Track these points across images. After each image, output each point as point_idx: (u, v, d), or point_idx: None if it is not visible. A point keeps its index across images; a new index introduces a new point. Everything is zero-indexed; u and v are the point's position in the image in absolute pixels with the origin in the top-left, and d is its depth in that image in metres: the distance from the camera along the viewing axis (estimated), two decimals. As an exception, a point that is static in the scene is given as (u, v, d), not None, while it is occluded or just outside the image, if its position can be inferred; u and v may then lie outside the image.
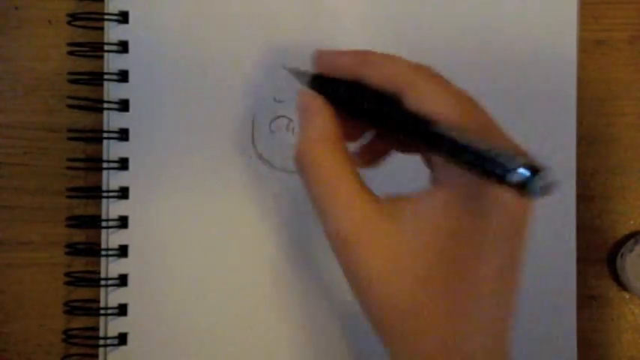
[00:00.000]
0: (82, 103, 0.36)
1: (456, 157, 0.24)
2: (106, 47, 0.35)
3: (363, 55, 0.29)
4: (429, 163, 0.28)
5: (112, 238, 0.35)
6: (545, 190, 0.22)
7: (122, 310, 0.35)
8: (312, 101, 0.29)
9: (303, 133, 0.29)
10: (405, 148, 0.31)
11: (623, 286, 0.37)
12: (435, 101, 0.26)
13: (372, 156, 0.32)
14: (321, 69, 0.30)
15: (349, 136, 0.30)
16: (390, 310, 0.27)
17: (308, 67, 0.31)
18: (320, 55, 0.30)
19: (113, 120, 0.36)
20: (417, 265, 0.26)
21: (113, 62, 0.36)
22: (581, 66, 0.37)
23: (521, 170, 0.22)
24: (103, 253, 0.35)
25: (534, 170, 0.22)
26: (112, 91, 0.36)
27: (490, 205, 0.26)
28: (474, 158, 0.24)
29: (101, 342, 0.35)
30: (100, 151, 0.36)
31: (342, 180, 0.27)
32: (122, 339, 0.35)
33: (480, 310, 0.26)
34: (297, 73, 0.32)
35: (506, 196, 0.25)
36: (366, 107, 0.28)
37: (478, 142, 0.24)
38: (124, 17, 0.35)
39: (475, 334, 0.26)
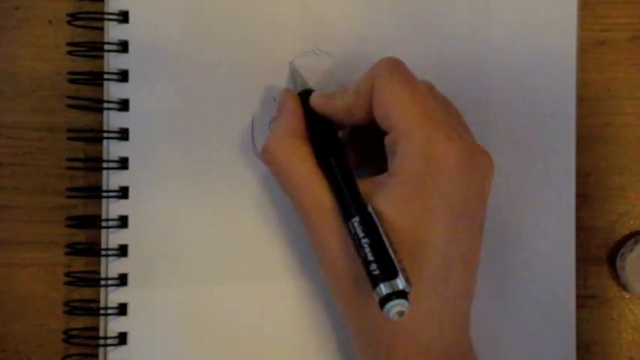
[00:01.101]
0: (82, 103, 0.36)
1: (359, 233, 0.27)
2: (106, 47, 0.35)
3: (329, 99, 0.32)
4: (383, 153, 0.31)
5: (112, 238, 0.35)
6: (397, 316, 0.25)
7: (122, 310, 0.35)
8: (283, 99, 0.33)
9: (270, 133, 0.33)
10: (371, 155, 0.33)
11: (623, 286, 0.37)
12: (390, 92, 0.29)
13: (355, 160, 0.34)
14: (314, 106, 0.33)
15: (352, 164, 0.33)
16: (346, 283, 0.29)
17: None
18: (314, 98, 0.33)
19: (113, 120, 0.36)
20: None
21: (113, 62, 0.36)
22: (581, 66, 0.37)
23: (389, 286, 0.25)
24: (103, 253, 0.35)
25: (400, 295, 0.25)
26: (112, 91, 0.36)
27: (432, 194, 0.28)
28: (371, 246, 0.27)
29: (101, 342, 0.35)
30: (100, 151, 0.36)
31: (301, 169, 0.31)
32: (122, 339, 0.35)
33: (427, 294, 0.28)
34: (294, 77, 0.35)
35: (443, 186, 0.29)
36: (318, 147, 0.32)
37: (385, 238, 0.27)
38: (124, 17, 0.35)
39: (423, 316, 0.28)
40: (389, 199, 0.29)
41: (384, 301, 0.25)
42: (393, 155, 0.29)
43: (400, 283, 0.26)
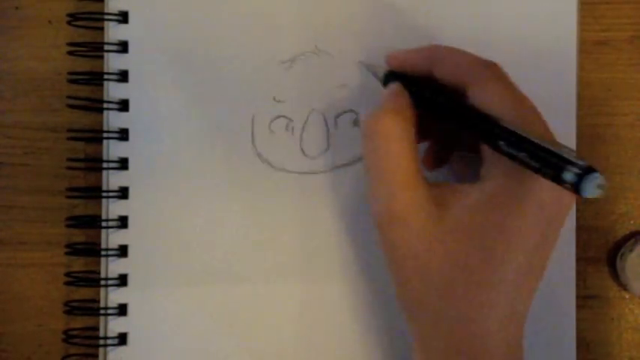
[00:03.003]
0: (82, 103, 0.36)
1: (514, 150, 0.26)
2: (106, 47, 0.35)
3: (431, 51, 0.31)
4: (479, 161, 0.30)
5: (112, 238, 0.35)
6: (597, 191, 0.23)
7: (122, 310, 0.35)
8: (396, 89, 0.31)
9: (380, 105, 0.30)
10: (466, 146, 0.33)
11: (623, 286, 0.37)
12: (496, 101, 0.28)
13: (434, 160, 0.33)
14: (393, 66, 0.32)
15: (430, 163, 0.33)
16: (420, 286, 0.29)
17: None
18: (391, 55, 0.32)
19: (113, 120, 0.36)
20: (455, 250, 0.28)
21: (113, 62, 0.36)
22: (581, 66, 0.37)
23: (576, 170, 0.23)
24: (103, 253, 0.35)
25: (588, 171, 0.23)
26: (112, 91, 0.36)
27: (530, 202, 0.28)
28: (532, 152, 0.25)
29: (101, 342, 0.35)
30: (100, 151, 0.36)
31: (405, 157, 0.29)
32: (122, 339, 0.35)
33: (505, 296, 0.28)
34: (372, 69, 0.34)
35: (544, 195, 0.27)
36: (432, 100, 0.30)
37: (537, 141, 0.25)
38: (123, 17, 0.35)
39: (496, 318, 0.28)
40: (485, 201, 0.28)
41: (578, 182, 0.23)
42: (487, 159, 0.29)
43: (582, 162, 0.24)
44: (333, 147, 0.36)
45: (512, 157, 0.26)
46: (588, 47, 0.37)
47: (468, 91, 0.29)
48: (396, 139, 0.29)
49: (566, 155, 0.24)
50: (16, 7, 0.37)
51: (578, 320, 0.36)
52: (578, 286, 0.36)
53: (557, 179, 0.24)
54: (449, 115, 0.30)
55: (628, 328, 0.37)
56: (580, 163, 0.24)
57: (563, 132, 0.36)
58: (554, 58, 0.36)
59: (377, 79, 0.34)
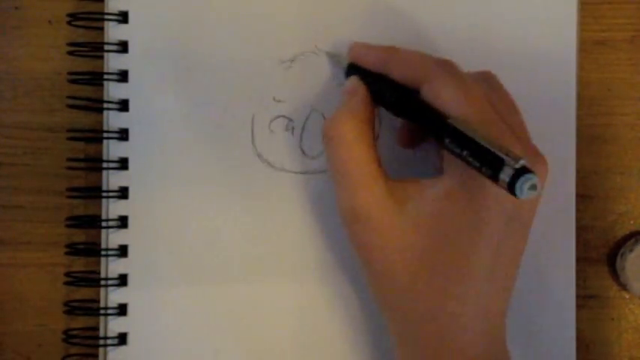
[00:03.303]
0: (82, 103, 0.36)
1: (457, 147, 0.27)
2: (105, 47, 0.35)
3: (390, 52, 0.32)
4: (439, 154, 0.31)
5: (112, 238, 0.35)
6: (531, 192, 0.24)
7: (122, 310, 0.35)
8: (354, 85, 0.32)
9: (338, 109, 0.31)
10: (424, 138, 0.34)
11: (623, 286, 0.37)
12: (445, 98, 0.29)
13: (409, 138, 0.34)
14: (354, 60, 0.34)
15: (404, 141, 0.34)
16: (389, 281, 0.29)
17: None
18: (353, 47, 0.34)
19: (113, 120, 0.36)
20: (418, 244, 0.29)
21: (113, 62, 0.36)
22: (581, 66, 0.37)
23: (510, 170, 0.24)
24: (103, 253, 0.35)
25: (522, 172, 0.24)
26: (112, 91, 0.36)
27: (487, 196, 0.28)
28: (473, 151, 0.26)
29: (101, 342, 0.35)
30: (100, 151, 0.36)
31: (364, 158, 0.30)
32: (122, 339, 0.35)
33: (474, 291, 0.28)
34: (337, 59, 0.35)
35: (500, 191, 0.27)
36: (388, 98, 0.31)
37: (478, 140, 0.26)
38: (123, 17, 0.35)
39: (468, 314, 0.28)
40: (443, 194, 0.29)
41: (511, 182, 0.24)
42: (447, 153, 0.29)
43: (518, 163, 0.24)
44: None
45: (456, 155, 0.27)
46: (588, 47, 0.37)
47: (421, 88, 0.30)
48: (352, 141, 0.30)
49: (502, 155, 0.25)
50: (16, 7, 0.37)
51: (578, 320, 0.36)
52: (578, 286, 0.36)
53: (495, 179, 0.25)
54: (402, 111, 0.31)
55: (628, 328, 0.37)
56: (514, 163, 0.24)
57: (563, 132, 0.37)
58: (554, 58, 0.36)
59: (341, 68, 0.35)
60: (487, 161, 0.25)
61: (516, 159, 0.24)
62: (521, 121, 0.32)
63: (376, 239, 0.29)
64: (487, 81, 0.32)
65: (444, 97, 0.29)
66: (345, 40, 0.35)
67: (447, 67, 0.30)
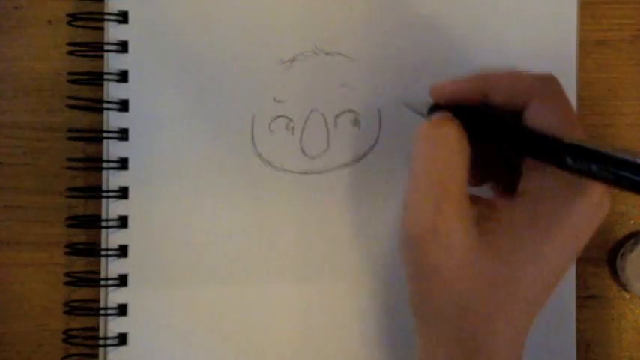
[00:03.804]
0: (82, 103, 0.36)
1: (584, 164, 0.25)
2: (105, 47, 0.35)
3: (484, 78, 0.29)
4: (515, 176, 0.29)
5: (112, 238, 0.35)
6: None
7: (122, 310, 0.35)
8: (445, 115, 0.29)
9: (437, 115, 0.29)
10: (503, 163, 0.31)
11: (623, 286, 0.37)
12: (556, 116, 0.27)
13: (475, 176, 0.31)
14: (440, 99, 0.30)
15: (473, 180, 0.31)
16: (444, 298, 0.28)
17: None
18: (436, 87, 0.30)
19: (113, 120, 0.36)
20: (483, 267, 0.27)
21: (113, 62, 0.36)
22: (581, 66, 0.37)
23: None
24: (103, 253, 0.35)
25: None
26: (112, 91, 0.36)
27: (565, 228, 0.27)
28: (604, 164, 0.24)
29: (101, 342, 0.35)
30: (100, 151, 0.36)
31: (459, 168, 0.28)
32: (122, 339, 0.35)
33: (517, 316, 0.28)
34: (415, 106, 0.32)
35: (581, 219, 0.27)
36: (484, 127, 0.29)
37: (605, 152, 0.24)
38: (123, 17, 0.35)
39: (504, 336, 0.28)
40: (517, 222, 0.28)
41: None
42: (527, 176, 0.28)
43: None
44: (332, 147, 0.36)
45: (581, 173, 0.25)
46: (588, 47, 0.37)
47: (526, 111, 0.28)
48: (455, 147, 0.28)
49: (634, 160, 0.23)
50: (16, 7, 0.37)
51: (578, 320, 0.36)
52: (578, 286, 0.36)
53: (635, 188, 0.23)
54: (503, 139, 0.28)
55: (628, 328, 0.37)
56: None
57: (563, 132, 0.36)
58: (554, 58, 0.36)
59: (421, 116, 0.32)
60: (621, 173, 0.24)
61: None
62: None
63: (444, 259, 0.27)
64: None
65: (553, 119, 0.27)
66: (347, 41, 0.35)
67: (551, 84, 0.29)
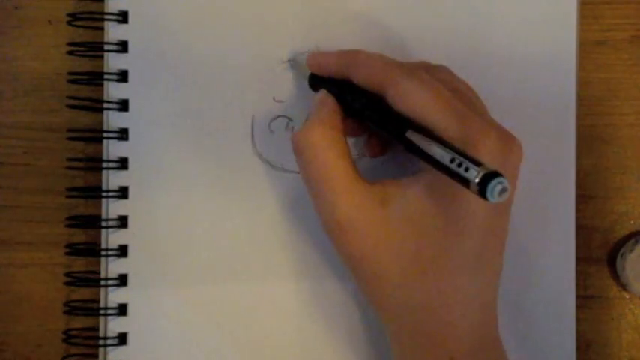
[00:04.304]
0: (82, 103, 0.36)
1: (425, 152, 0.27)
2: (105, 47, 0.35)
3: (350, 56, 0.31)
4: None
5: (112, 238, 0.35)
6: (502, 196, 0.24)
7: (122, 310, 0.35)
8: (324, 97, 0.32)
9: (308, 120, 0.31)
10: (391, 143, 0.34)
11: (623, 286, 0.37)
12: (412, 98, 0.28)
13: (376, 147, 0.34)
14: (314, 70, 0.33)
15: (354, 132, 0.33)
16: (381, 283, 0.30)
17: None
18: (311, 57, 0.33)
19: (113, 120, 0.36)
20: (405, 243, 0.29)
21: (113, 62, 0.36)
22: (581, 66, 0.37)
23: (477, 179, 0.24)
24: (103, 253, 0.35)
25: (489, 177, 0.24)
26: (112, 91, 0.36)
27: (465, 192, 0.28)
28: (440, 155, 0.26)
29: (101, 342, 0.35)
30: (100, 151, 0.36)
31: (339, 165, 0.30)
32: (122, 339, 0.35)
33: (464, 282, 0.29)
34: (300, 69, 0.35)
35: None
36: (353, 105, 0.31)
37: (442, 149, 0.26)
38: (123, 17, 0.35)
39: (460, 305, 0.29)
40: (423, 193, 0.29)
41: (483, 183, 0.24)
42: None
43: (484, 169, 0.24)
44: None
45: (424, 159, 0.27)
46: (588, 47, 0.37)
47: (386, 94, 0.29)
48: (327, 149, 0.29)
49: (471, 159, 0.25)
50: (16, 7, 0.37)
51: (578, 320, 0.36)
52: (578, 286, 0.36)
53: (464, 182, 0.25)
54: (367, 117, 0.31)
55: (628, 328, 0.37)
56: (485, 167, 0.24)
57: (563, 132, 0.37)
58: (554, 58, 0.36)
59: (304, 78, 0.34)
60: (454, 172, 0.25)
61: (480, 165, 0.25)
62: (484, 107, 0.32)
63: (364, 246, 0.29)
64: (447, 72, 0.32)
65: (411, 102, 0.28)
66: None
67: (407, 69, 0.30)
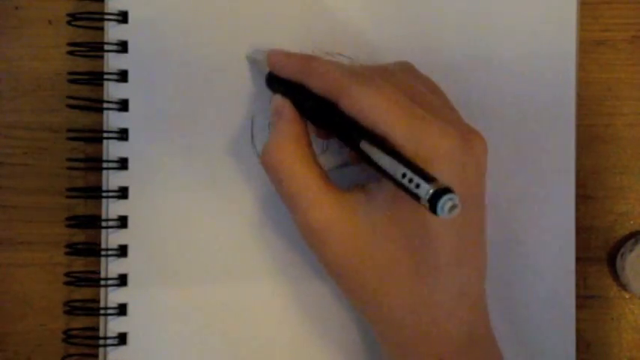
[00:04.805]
0: (82, 103, 0.36)
1: (378, 171, 0.27)
2: (105, 47, 0.35)
3: (306, 62, 0.31)
4: None
5: (112, 238, 0.35)
6: (451, 210, 0.24)
7: (122, 310, 0.35)
8: (280, 105, 0.32)
9: (271, 136, 0.31)
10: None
11: (623, 286, 0.37)
12: (363, 106, 0.28)
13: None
14: (273, 69, 0.33)
15: (321, 134, 0.33)
16: (362, 288, 0.30)
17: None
18: (271, 55, 0.33)
19: (113, 120, 0.36)
20: (378, 251, 0.29)
21: (113, 62, 0.36)
22: (581, 66, 0.37)
23: (427, 196, 0.24)
24: (103, 253, 0.35)
25: (440, 193, 0.24)
26: (112, 91, 0.36)
27: None
28: (391, 179, 0.26)
29: (101, 342, 0.35)
30: (100, 151, 0.36)
31: (307, 178, 0.30)
32: (122, 339, 0.35)
33: (446, 279, 0.29)
34: (258, 65, 0.35)
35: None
36: (308, 112, 0.31)
37: (394, 163, 0.26)
38: (123, 17, 0.35)
39: (445, 302, 0.29)
40: (390, 197, 0.29)
41: (433, 200, 0.24)
42: None
43: (435, 185, 0.24)
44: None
45: (378, 171, 0.27)
46: (588, 47, 0.37)
47: (339, 102, 0.29)
48: (292, 165, 0.30)
49: (422, 174, 0.25)
50: (16, 7, 0.37)
51: (578, 320, 0.36)
52: (578, 286, 0.36)
53: (415, 197, 0.25)
54: (323, 124, 0.31)
55: (628, 328, 0.37)
56: (436, 183, 0.24)
57: (563, 132, 0.37)
58: (554, 58, 0.36)
59: (261, 76, 0.34)
60: (406, 187, 0.25)
61: (432, 180, 0.25)
62: (448, 103, 0.32)
63: (339, 254, 0.30)
64: (407, 72, 0.32)
65: (363, 110, 0.28)
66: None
67: (360, 77, 0.29)
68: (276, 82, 0.33)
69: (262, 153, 0.31)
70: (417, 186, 0.25)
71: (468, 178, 0.29)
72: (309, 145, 0.31)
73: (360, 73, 0.30)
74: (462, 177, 0.28)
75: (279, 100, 0.32)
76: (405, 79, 0.31)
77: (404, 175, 0.25)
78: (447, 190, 0.24)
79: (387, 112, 0.28)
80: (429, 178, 0.25)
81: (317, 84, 0.30)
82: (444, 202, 0.24)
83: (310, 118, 0.31)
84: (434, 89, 0.32)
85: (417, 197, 0.25)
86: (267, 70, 0.34)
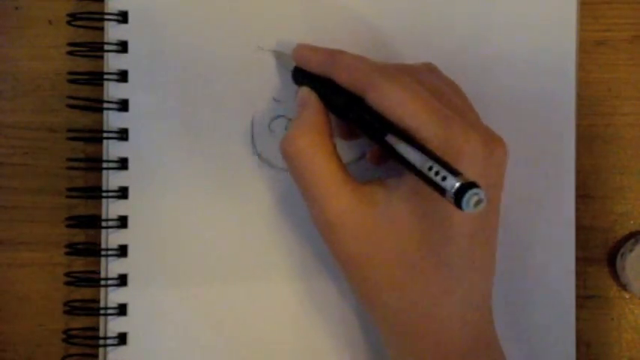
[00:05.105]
0: (82, 103, 0.36)
1: (404, 156, 0.27)
2: (105, 47, 0.35)
3: (333, 56, 0.31)
4: None
5: (112, 238, 0.35)
6: (476, 205, 0.24)
7: (122, 310, 0.35)
8: (307, 96, 0.32)
9: (294, 124, 0.31)
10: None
11: (623, 286, 0.37)
12: (392, 101, 0.28)
13: (379, 156, 0.34)
14: (299, 63, 0.33)
15: (344, 134, 0.33)
16: (371, 285, 0.30)
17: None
18: (298, 50, 0.33)
19: (113, 120, 0.36)
20: (395, 243, 0.29)
21: (113, 62, 0.36)
22: (581, 66, 0.37)
23: (453, 190, 0.24)
24: (103, 253, 0.35)
25: (466, 187, 0.24)
26: (112, 91, 0.36)
27: None
28: (417, 171, 0.26)
29: (101, 342, 0.35)
30: (100, 151, 0.36)
31: (327, 169, 0.30)
32: (122, 339, 0.35)
33: (456, 281, 0.29)
34: (284, 60, 0.35)
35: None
36: (335, 105, 0.31)
37: (420, 156, 0.26)
38: (123, 17, 0.35)
39: (453, 304, 0.29)
40: (410, 193, 0.29)
41: (459, 194, 0.24)
42: None
43: (461, 179, 0.24)
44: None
45: (403, 164, 0.27)
46: (588, 47, 0.37)
47: (366, 96, 0.29)
48: (313, 154, 0.30)
49: (449, 168, 0.25)
50: (16, 7, 0.37)
51: (578, 320, 0.36)
52: (578, 286, 0.36)
53: (440, 190, 0.25)
54: (349, 117, 0.31)
55: (628, 328, 0.37)
56: (462, 177, 0.24)
57: (563, 132, 0.37)
58: (554, 58, 0.36)
59: (287, 70, 0.34)
60: (431, 181, 0.25)
61: (458, 174, 0.24)
62: (470, 106, 0.32)
63: (354, 246, 0.30)
64: (431, 72, 0.32)
65: (391, 105, 0.28)
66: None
67: (388, 72, 0.30)
68: (302, 77, 0.33)
69: (283, 141, 0.31)
70: (444, 179, 0.24)
71: (487, 182, 0.29)
72: (331, 137, 0.31)
73: (387, 69, 0.30)
74: (482, 180, 0.28)
75: (305, 90, 0.32)
76: (430, 79, 0.31)
77: (430, 168, 0.25)
78: (472, 185, 0.24)
79: (415, 108, 0.28)
80: (455, 172, 0.24)
81: (344, 77, 0.30)
82: (470, 197, 0.24)
83: (336, 112, 0.31)
84: (457, 91, 0.32)
85: (442, 191, 0.24)
86: (292, 64, 0.34)
